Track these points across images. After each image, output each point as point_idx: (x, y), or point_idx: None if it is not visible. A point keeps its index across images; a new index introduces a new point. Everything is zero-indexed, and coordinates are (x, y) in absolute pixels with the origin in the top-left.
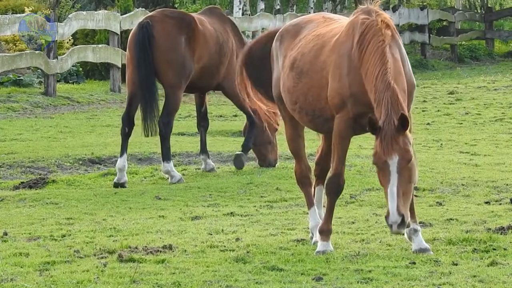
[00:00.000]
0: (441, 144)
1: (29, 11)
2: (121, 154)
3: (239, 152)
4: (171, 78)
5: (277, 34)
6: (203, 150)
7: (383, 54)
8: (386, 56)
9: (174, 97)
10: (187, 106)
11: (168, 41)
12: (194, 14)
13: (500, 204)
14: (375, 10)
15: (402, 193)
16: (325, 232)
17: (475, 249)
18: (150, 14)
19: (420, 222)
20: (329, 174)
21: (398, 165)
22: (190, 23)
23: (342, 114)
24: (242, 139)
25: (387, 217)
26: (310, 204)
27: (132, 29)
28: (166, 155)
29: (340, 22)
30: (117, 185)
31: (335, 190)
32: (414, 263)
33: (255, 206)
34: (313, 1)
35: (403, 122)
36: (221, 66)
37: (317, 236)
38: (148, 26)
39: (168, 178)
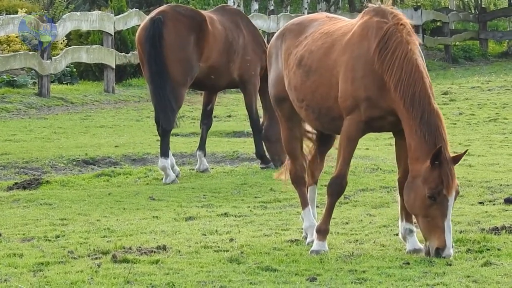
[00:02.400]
0: None
1: (23, 12)
2: (161, 155)
3: (262, 166)
4: (177, 76)
5: (278, 32)
6: (201, 147)
7: (417, 67)
8: (422, 71)
9: (178, 94)
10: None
11: (178, 39)
12: (205, 13)
13: (494, 204)
14: (391, 12)
15: None
16: (323, 232)
17: (469, 250)
18: (162, 8)
19: (414, 222)
20: (332, 175)
21: (454, 201)
22: (201, 24)
23: (353, 116)
24: (235, 140)
25: (440, 249)
26: (304, 204)
27: (125, 29)
28: (165, 151)
29: (347, 21)
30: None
31: (336, 191)
32: (408, 263)
33: (249, 207)
34: (307, 2)
35: (459, 158)
36: (231, 63)
37: (313, 235)
38: (159, 22)
39: (162, 178)
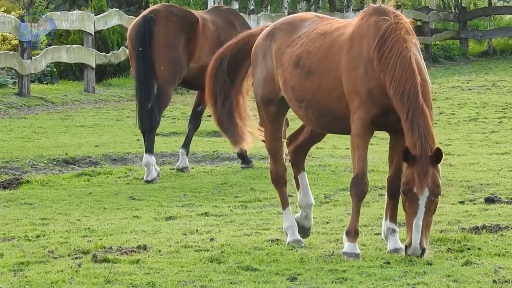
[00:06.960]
0: None
1: (2, 11)
2: (146, 151)
3: (243, 165)
4: (165, 74)
5: (266, 32)
6: (185, 145)
7: (410, 65)
8: (414, 68)
9: (165, 92)
10: None
11: (168, 39)
12: (198, 13)
13: (474, 204)
14: (392, 11)
15: (426, 225)
16: (352, 234)
17: (450, 249)
18: (155, 7)
19: (397, 222)
20: (352, 176)
21: (427, 200)
22: (193, 25)
23: (358, 115)
24: (216, 139)
25: (407, 247)
26: (285, 204)
27: (105, 29)
28: (150, 148)
29: (341, 21)
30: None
31: (358, 193)
32: (389, 262)
33: (229, 206)
34: (287, 1)
35: (438, 157)
36: None
37: (344, 239)
38: (151, 20)
39: (143, 177)
